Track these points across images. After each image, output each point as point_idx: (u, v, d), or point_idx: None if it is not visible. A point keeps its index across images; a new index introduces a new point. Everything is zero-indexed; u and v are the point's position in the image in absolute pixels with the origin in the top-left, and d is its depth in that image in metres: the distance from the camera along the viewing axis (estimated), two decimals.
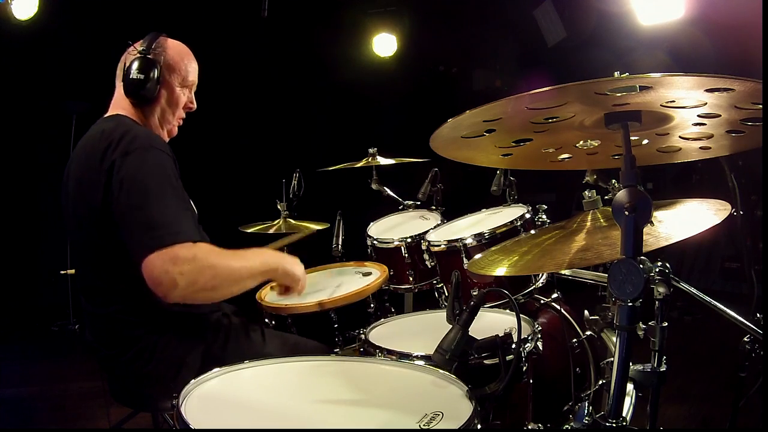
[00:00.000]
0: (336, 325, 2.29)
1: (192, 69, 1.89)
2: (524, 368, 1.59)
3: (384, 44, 5.54)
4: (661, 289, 1.32)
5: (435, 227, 2.54)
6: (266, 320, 2.31)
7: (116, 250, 1.61)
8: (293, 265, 1.79)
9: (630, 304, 1.14)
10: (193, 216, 1.79)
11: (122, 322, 1.69)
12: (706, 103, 1.10)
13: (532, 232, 1.77)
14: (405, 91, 5.90)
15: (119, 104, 1.83)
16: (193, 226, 1.59)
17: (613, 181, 1.56)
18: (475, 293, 2.10)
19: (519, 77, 5.73)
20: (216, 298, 1.59)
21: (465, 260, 2.13)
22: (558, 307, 2.22)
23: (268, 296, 2.29)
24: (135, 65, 1.76)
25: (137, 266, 1.49)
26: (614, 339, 1.24)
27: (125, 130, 1.65)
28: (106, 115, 1.83)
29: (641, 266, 1.12)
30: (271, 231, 3.06)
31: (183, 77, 1.86)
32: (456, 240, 2.17)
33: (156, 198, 1.55)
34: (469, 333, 1.38)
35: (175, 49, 1.86)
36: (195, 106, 1.93)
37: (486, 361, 1.49)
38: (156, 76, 1.78)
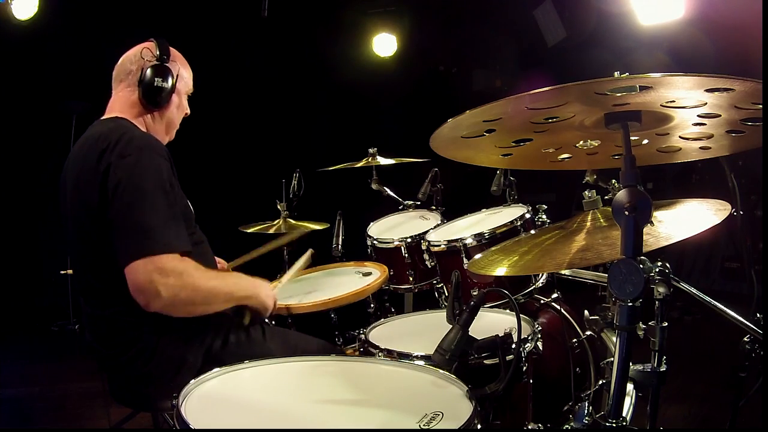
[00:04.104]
0: (336, 325, 2.30)
1: (191, 77, 1.96)
2: (524, 368, 1.59)
3: (384, 44, 5.54)
4: (661, 289, 1.31)
5: (435, 227, 2.54)
6: (266, 320, 2.31)
7: (114, 252, 1.61)
8: (267, 296, 1.83)
9: (630, 304, 1.14)
10: (189, 218, 1.79)
11: (121, 322, 1.69)
12: (706, 103, 1.10)
13: (532, 232, 1.77)
14: (405, 91, 5.90)
15: (120, 107, 1.84)
16: (183, 236, 1.61)
17: (613, 181, 1.56)
18: (475, 293, 2.10)
19: (519, 77, 5.73)
20: (194, 314, 1.63)
21: (465, 260, 2.13)
22: (558, 307, 2.22)
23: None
24: (156, 72, 1.80)
25: (121, 270, 1.52)
26: (614, 339, 1.24)
27: (122, 133, 1.66)
28: (103, 117, 1.84)
29: (641, 266, 1.12)
30: (271, 231, 3.06)
31: (188, 85, 1.94)
32: (456, 240, 2.17)
33: (149, 203, 1.57)
34: (469, 333, 1.38)
35: (180, 57, 1.93)
36: (189, 112, 1.99)
37: (486, 361, 1.50)
38: (172, 83, 1.83)
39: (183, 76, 1.91)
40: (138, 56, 1.84)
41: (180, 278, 1.54)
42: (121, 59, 1.88)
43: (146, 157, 1.63)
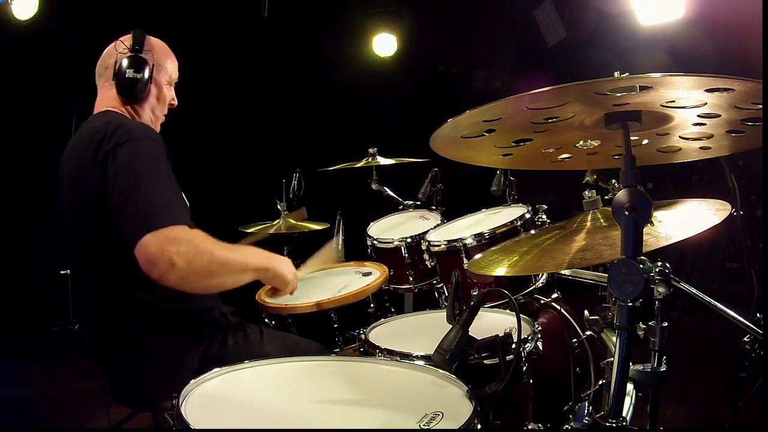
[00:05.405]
0: (336, 325, 2.30)
1: (175, 66, 1.94)
2: (524, 368, 1.59)
3: (384, 44, 5.54)
4: (661, 289, 1.32)
5: (435, 227, 2.54)
6: (266, 320, 2.31)
7: (112, 249, 1.61)
8: (284, 268, 1.80)
9: (630, 304, 1.14)
10: (186, 207, 1.79)
11: (120, 323, 1.69)
12: (706, 103, 1.10)
13: (532, 232, 1.77)
14: (405, 91, 5.89)
15: (108, 102, 1.83)
16: (187, 213, 1.60)
17: (613, 181, 1.56)
18: (475, 293, 2.10)
19: (519, 77, 5.73)
20: (210, 287, 1.60)
21: (465, 260, 2.13)
22: (558, 307, 2.22)
23: (268, 296, 2.29)
24: (128, 64, 1.78)
25: (131, 252, 1.49)
26: (614, 339, 1.24)
27: (118, 124, 1.66)
28: (95, 113, 1.84)
29: (641, 266, 1.12)
30: (271, 231, 3.06)
31: (169, 75, 1.91)
32: (456, 240, 2.17)
33: (151, 184, 1.57)
34: (469, 333, 1.38)
35: (161, 47, 1.90)
36: (176, 102, 1.96)
37: (486, 361, 1.49)
38: (148, 74, 1.81)
39: (162, 65, 1.87)
40: (113, 50, 1.83)
41: (192, 245, 1.50)
42: (101, 55, 1.88)
43: (143, 142, 1.63)
